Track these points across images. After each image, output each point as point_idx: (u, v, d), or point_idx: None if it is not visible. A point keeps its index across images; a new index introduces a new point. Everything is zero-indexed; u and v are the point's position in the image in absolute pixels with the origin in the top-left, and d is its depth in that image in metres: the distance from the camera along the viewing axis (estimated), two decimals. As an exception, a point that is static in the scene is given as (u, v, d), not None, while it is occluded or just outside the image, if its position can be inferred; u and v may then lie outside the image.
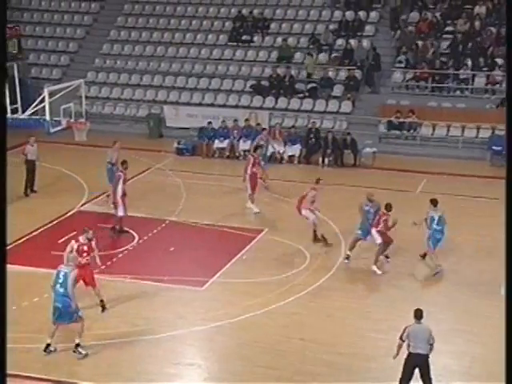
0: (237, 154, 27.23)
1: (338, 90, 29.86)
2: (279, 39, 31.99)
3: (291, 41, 31.92)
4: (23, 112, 20.67)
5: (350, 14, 32.14)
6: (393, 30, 30.97)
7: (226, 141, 27.32)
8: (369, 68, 29.87)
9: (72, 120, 21.59)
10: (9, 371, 12.91)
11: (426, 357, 11.88)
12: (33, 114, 20.97)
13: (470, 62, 29.02)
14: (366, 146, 26.77)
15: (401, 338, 12.04)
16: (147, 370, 13.28)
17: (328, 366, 13.37)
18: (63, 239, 18.82)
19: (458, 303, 15.83)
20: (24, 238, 19.10)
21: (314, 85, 30.14)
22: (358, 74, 29.84)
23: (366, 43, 30.87)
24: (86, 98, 23.87)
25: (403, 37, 30.41)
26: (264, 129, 26.31)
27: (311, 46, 31.52)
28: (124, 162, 19.42)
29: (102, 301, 15.37)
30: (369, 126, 28.37)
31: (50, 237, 19.19)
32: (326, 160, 26.40)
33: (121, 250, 18.36)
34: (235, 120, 27.82)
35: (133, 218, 19.89)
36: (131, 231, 19.42)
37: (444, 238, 17.48)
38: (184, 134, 28.52)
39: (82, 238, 15.36)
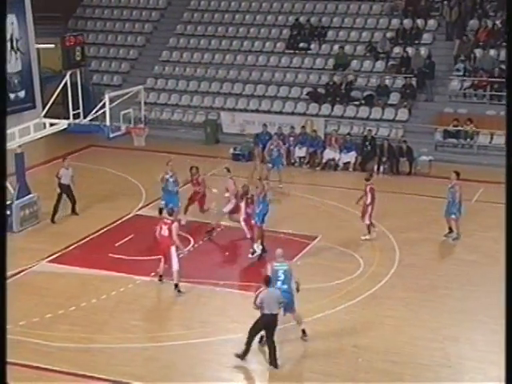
0: (292, 161, 27.23)
1: (394, 98, 29.62)
2: (336, 47, 31.88)
3: (348, 49, 31.81)
4: (84, 117, 21.02)
5: (407, 22, 31.86)
6: (449, 40, 30.57)
7: (282, 147, 27.31)
8: (423, 75, 29.57)
9: (131, 125, 21.88)
10: (68, 369, 13.27)
11: (276, 316, 13.29)
12: (93, 119, 21.31)
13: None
14: (421, 154, 26.47)
15: (254, 303, 13.27)
16: (200, 373, 13.36)
17: (381, 374, 13.25)
18: (120, 242, 19.16)
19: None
20: (83, 241, 19.42)
21: (370, 92, 29.99)
22: (414, 81, 29.55)
23: (423, 51, 30.56)
24: (145, 103, 24.13)
25: (461, 45, 30.01)
26: (275, 134, 26.29)
27: (368, 54, 31.38)
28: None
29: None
30: (425, 134, 28.05)
31: (107, 240, 19.48)
32: (382, 168, 26.21)
33: (176, 253, 18.47)
34: (292, 127, 27.83)
35: (188, 223, 20.07)
36: (187, 235, 19.57)
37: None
38: (240, 140, 28.65)
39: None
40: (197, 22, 35.14)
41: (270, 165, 24.21)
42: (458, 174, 19.80)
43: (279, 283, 13.83)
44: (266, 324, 13.30)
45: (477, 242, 19.27)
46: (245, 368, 13.60)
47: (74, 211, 21.32)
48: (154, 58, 34.41)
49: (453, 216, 19.43)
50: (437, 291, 16.62)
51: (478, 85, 28.90)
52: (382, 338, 14.50)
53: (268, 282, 13.47)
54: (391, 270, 17.64)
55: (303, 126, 27.95)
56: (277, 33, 33.68)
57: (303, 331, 14.26)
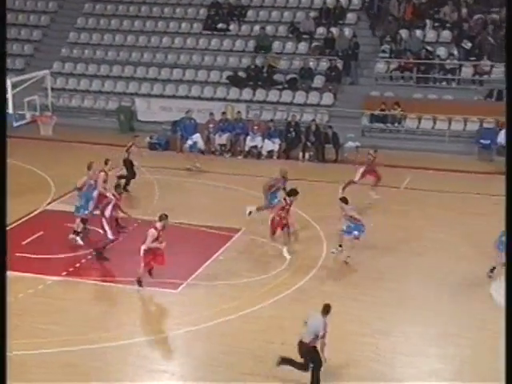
0: (212, 149, 27.20)
1: (318, 81, 29.92)
2: (257, 27, 32.00)
3: (269, 29, 31.94)
4: (-16, 105, 20.46)
5: (331, 1, 32.19)
6: (372, 28, 30.99)
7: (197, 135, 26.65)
8: (347, 57, 29.91)
9: (37, 113, 21.45)
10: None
11: (307, 345, 12.59)
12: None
13: (456, 52, 29.16)
14: (348, 140, 26.83)
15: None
16: (119, 378, 13.21)
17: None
18: (28, 240, 18.74)
19: (445, 305, 15.89)
20: (-13, 239, 18.90)
21: (293, 76, 30.19)
22: (339, 64, 29.89)
23: (347, 32, 30.92)
24: (52, 89, 23.80)
25: (386, 25, 30.50)
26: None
27: (290, 35, 31.56)
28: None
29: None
30: (351, 118, 28.44)
31: (14, 238, 18.97)
32: (307, 155, 26.45)
33: (91, 250, 18.24)
34: (211, 113, 27.77)
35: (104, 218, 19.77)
36: (101, 231, 19.28)
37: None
38: (157, 128, 28.43)
39: (159, 225, 16.23)
40: (106, 1, 34.62)
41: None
42: (344, 200, 18.13)
43: None
44: (300, 353, 12.75)
45: (409, 232, 19.62)
46: (166, 372, 13.52)
47: (125, 188, 21.55)
48: (60, 40, 33.76)
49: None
50: (367, 283, 16.87)
51: (404, 67, 29.46)
52: (311, 334, 14.62)
53: (327, 310, 12.79)
54: (319, 263, 17.82)
55: (223, 112, 27.94)
56: (193, 13, 33.54)
57: None
